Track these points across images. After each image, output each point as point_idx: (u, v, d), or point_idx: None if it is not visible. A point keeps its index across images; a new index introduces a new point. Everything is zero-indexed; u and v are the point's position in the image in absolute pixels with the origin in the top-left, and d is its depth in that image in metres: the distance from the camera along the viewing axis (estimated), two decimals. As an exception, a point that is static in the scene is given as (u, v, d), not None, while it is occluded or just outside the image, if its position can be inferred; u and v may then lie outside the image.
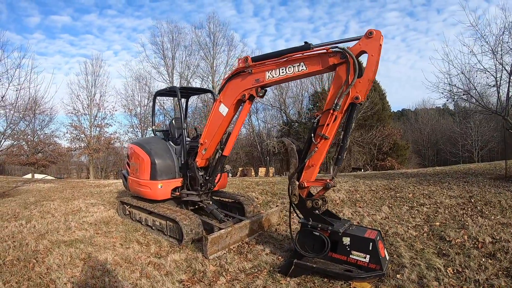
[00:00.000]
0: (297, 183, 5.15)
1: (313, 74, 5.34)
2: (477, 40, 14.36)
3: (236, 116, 6.63)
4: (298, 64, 5.16)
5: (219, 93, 6.45)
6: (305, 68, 5.11)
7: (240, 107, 6.37)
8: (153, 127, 9.24)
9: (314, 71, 5.13)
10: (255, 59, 5.73)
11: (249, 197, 8.31)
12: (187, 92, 9.15)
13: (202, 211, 7.81)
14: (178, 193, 7.52)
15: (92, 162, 39.69)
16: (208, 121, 6.78)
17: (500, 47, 13.76)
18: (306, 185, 5.11)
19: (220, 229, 6.28)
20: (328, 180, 4.95)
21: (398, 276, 4.91)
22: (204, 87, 32.33)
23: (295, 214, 5.49)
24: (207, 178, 7.24)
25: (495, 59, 13.96)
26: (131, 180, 8.06)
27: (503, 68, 13.90)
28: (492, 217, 7.60)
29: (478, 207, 8.54)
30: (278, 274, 5.10)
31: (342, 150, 4.90)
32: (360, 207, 9.22)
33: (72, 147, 37.68)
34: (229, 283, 4.90)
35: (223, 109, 6.36)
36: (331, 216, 5.40)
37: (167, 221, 6.89)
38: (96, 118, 38.04)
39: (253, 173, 34.13)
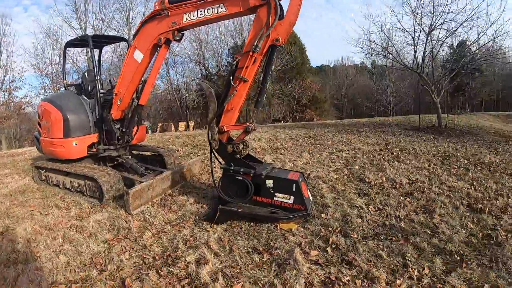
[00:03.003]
0: (217, 128, 5.03)
1: (233, 16, 5.15)
2: (398, 1, 15.28)
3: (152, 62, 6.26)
4: (218, 5, 4.90)
5: (133, 38, 6.02)
6: (224, 10, 4.87)
7: (156, 52, 6.01)
8: (64, 81, 8.49)
9: (234, 13, 4.91)
10: (172, 1, 5.33)
11: (169, 149, 8.14)
12: (100, 41, 8.45)
13: (121, 167, 7.44)
14: (95, 150, 7.09)
15: (3, 131, 36.40)
16: (122, 69, 6.34)
17: (420, 10, 14.56)
18: (226, 130, 4.99)
19: (141, 183, 6.04)
20: (248, 123, 4.88)
21: (322, 215, 5.07)
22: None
23: (218, 162, 5.40)
24: (123, 130, 6.88)
25: (414, 20, 14.77)
26: (44, 141, 7.41)
27: (421, 29, 14.76)
28: (408, 162, 8.12)
29: (394, 153, 9.08)
30: (204, 222, 5.03)
31: (262, 92, 4.81)
32: (281, 154, 9.41)
33: (-22, 116, 34.11)
34: (155, 237, 4.75)
35: (138, 55, 5.97)
36: (253, 160, 5.38)
37: (86, 180, 6.49)
38: (4, 82, 34.48)
39: (173, 128, 33.43)
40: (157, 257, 4.19)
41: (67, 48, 8.44)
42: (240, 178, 4.96)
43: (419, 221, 4.83)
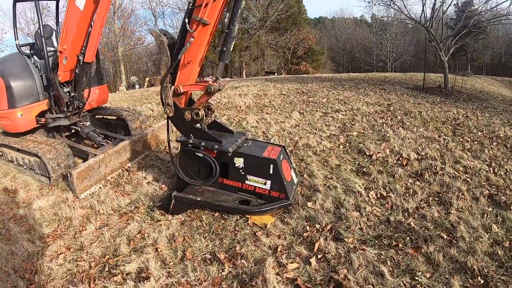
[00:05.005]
0: (172, 88, 3.89)
1: None
2: None
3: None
4: None
5: None
6: None
7: None
8: (16, 41, 7.35)
9: None
10: None
11: (134, 111, 7.04)
12: None
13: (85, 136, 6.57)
14: (43, 120, 6.09)
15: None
16: (64, 21, 5.24)
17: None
18: (182, 90, 3.85)
19: (90, 159, 5.11)
20: (209, 82, 3.72)
21: (309, 204, 4.00)
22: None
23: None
24: (72, 95, 5.84)
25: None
26: (-5, 113, 6.45)
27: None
28: (415, 129, 7.07)
29: (398, 117, 8.00)
30: (158, 212, 4.02)
31: (228, 39, 3.62)
32: (267, 113, 8.36)
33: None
34: (97, 232, 3.86)
35: (80, 2, 4.88)
36: (220, 129, 4.29)
37: (34, 157, 5.58)
38: (-17, 47, 32.78)
39: (161, 82, 32.32)
40: (93, 264, 3.34)
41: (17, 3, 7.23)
42: (201, 155, 3.89)
43: (432, 217, 3.73)
